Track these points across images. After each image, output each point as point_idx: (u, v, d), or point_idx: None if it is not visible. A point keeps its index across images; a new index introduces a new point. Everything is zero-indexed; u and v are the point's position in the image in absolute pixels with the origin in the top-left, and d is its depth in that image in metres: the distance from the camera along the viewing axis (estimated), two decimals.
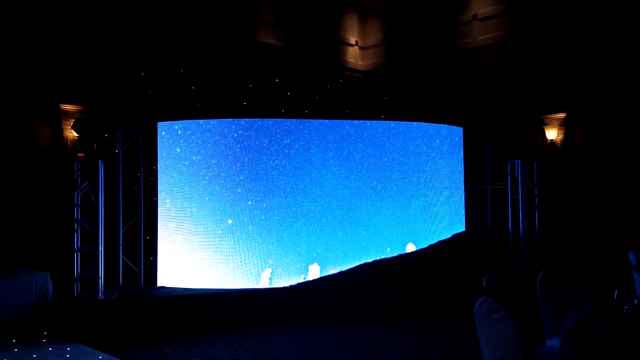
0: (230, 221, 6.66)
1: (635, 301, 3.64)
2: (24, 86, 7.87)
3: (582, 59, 9.84)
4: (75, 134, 7.18)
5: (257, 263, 6.70)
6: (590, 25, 9.70)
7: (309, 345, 5.52)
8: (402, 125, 7.79)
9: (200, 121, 6.82)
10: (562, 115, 9.92)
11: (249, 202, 6.73)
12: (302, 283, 6.85)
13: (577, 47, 9.89)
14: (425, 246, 7.82)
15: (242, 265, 6.65)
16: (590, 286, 4.05)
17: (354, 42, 13.10)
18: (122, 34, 8.82)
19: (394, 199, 7.59)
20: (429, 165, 7.98)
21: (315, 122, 7.21)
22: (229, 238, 6.66)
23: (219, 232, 6.66)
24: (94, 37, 8.35)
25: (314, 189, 7.06)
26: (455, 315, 6.55)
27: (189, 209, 6.71)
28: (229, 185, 6.70)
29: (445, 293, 7.12)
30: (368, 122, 7.57)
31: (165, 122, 6.87)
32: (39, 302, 5.81)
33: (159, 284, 6.80)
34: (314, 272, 7.00)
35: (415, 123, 7.89)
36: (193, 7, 9.93)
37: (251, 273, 6.67)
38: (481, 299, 3.11)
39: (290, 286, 6.74)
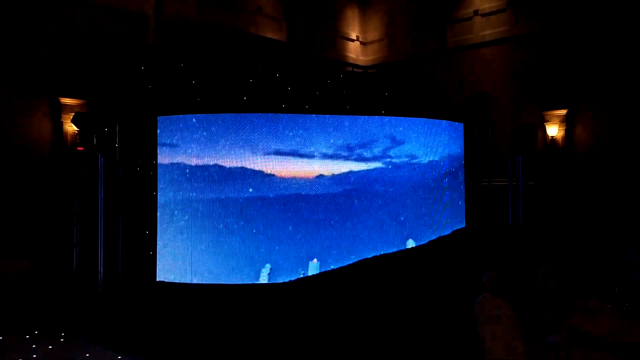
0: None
1: (636, 298, 3.63)
2: (24, 80, 7.84)
3: (584, 56, 9.80)
4: (75, 128, 7.16)
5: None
6: (592, 22, 9.65)
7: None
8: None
9: None
10: (563, 111, 9.89)
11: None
12: (302, 279, 6.84)
13: (580, 44, 9.85)
14: (424, 242, 7.81)
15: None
16: (591, 283, 4.04)
17: (355, 37, 13.06)
18: (122, 27, 8.79)
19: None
20: (428, 161, 7.97)
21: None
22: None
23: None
24: (93, 31, 8.31)
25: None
26: (454, 312, 6.54)
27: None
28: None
29: (445, 289, 7.11)
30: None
31: (166, 117, 6.84)
32: (37, 295, 5.80)
33: (158, 279, 6.78)
34: (313, 269, 7.00)
35: (416, 119, 7.85)
36: (195, 0, 9.88)
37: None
38: (481, 295, 3.10)
39: (290, 281, 6.74)
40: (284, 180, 6.91)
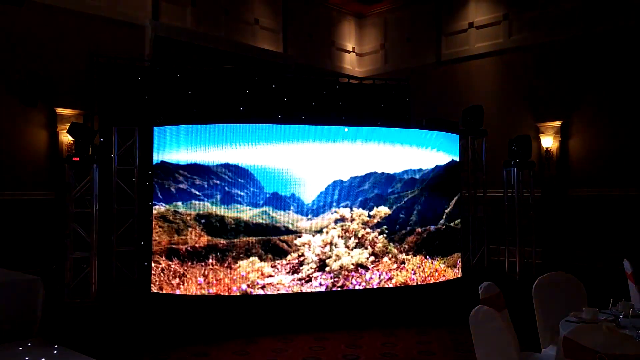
0: None
1: (630, 310, 3.63)
2: (20, 89, 7.83)
3: (578, 68, 9.88)
4: (71, 138, 7.15)
5: None
6: (587, 34, 9.74)
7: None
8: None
9: None
10: (557, 123, 9.96)
11: None
12: None
13: (574, 56, 9.93)
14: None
15: None
16: (586, 294, 4.04)
17: (351, 49, 13.13)
18: (118, 38, 8.82)
19: None
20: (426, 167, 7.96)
21: None
22: None
23: None
24: (90, 41, 8.34)
25: None
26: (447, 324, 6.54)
27: None
28: None
29: (439, 302, 7.11)
30: None
31: (162, 127, 6.84)
32: (30, 307, 5.75)
33: (152, 290, 6.74)
34: None
35: (412, 130, 7.87)
36: (191, 12, 9.93)
37: None
38: (477, 307, 3.10)
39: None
40: None
